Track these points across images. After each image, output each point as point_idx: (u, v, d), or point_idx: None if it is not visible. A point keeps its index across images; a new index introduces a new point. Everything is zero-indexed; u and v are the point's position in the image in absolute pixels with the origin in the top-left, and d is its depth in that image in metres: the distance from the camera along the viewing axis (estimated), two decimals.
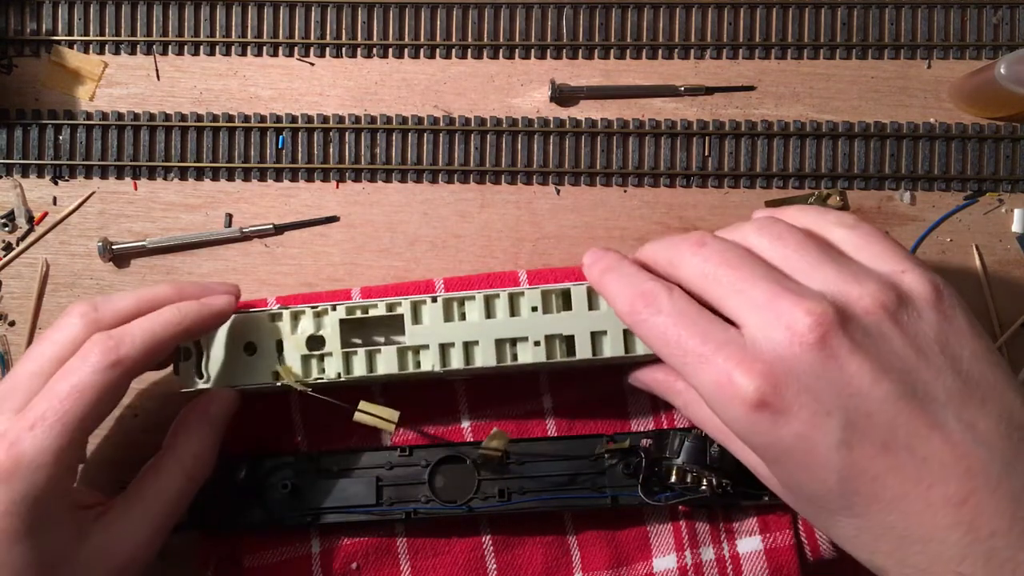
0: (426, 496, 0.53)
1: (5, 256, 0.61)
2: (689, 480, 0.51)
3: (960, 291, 0.60)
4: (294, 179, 0.62)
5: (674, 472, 0.52)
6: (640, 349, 0.51)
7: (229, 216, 0.62)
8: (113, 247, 0.61)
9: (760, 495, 0.52)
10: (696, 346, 0.40)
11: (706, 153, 0.62)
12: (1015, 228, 0.61)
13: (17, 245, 0.61)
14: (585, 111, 0.62)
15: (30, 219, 0.62)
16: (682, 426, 0.57)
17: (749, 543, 0.55)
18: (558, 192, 0.62)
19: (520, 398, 0.57)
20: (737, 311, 0.40)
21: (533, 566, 0.55)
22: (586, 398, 0.57)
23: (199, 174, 0.62)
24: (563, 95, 0.62)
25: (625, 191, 0.62)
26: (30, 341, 0.61)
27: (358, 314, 0.52)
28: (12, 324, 0.61)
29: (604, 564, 0.55)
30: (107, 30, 0.62)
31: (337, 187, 0.62)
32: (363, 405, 0.51)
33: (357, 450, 0.55)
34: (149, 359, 0.47)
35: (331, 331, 0.52)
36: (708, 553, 0.56)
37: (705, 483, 0.51)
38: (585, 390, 0.57)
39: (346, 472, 0.54)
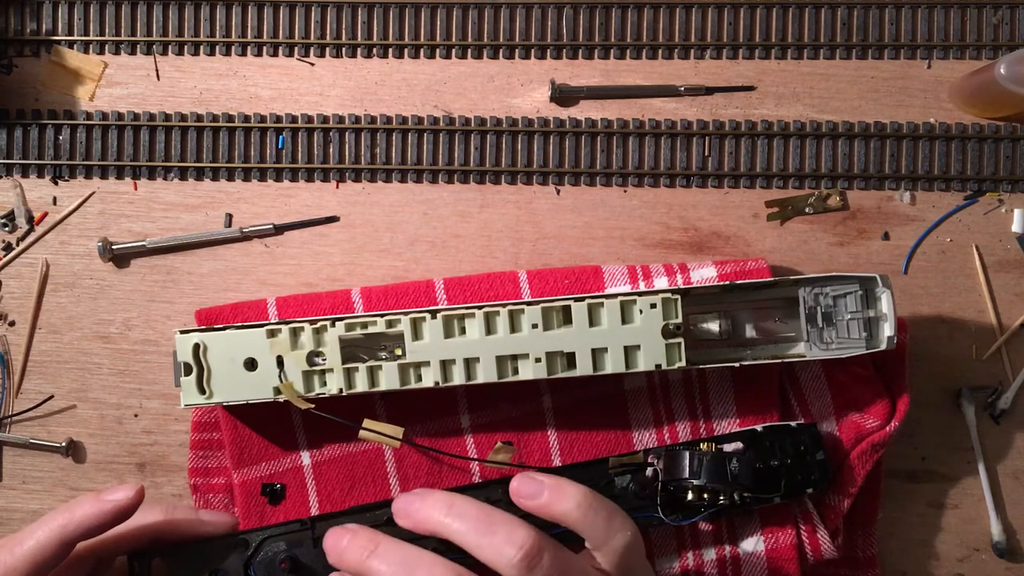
0: (436, 547, 0.47)
1: (5, 256, 0.61)
2: (706, 496, 0.50)
3: (960, 291, 0.61)
4: (294, 179, 0.62)
5: (691, 491, 0.50)
6: (641, 364, 0.51)
7: (229, 216, 0.62)
8: (113, 247, 0.61)
9: (771, 498, 0.52)
10: None
11: (706, 153, 0.62)
12: (1015, 228, 0.61)
13: (17, 245, 0.61)
14: (585, 111, 0.62)
15: (30, 219, 0.62)
16: (683, 434, 0.57)
17: (750, 543, 0.55)
18: (558, 192, 0.62)
19: (520, 398, 0.57)
20: None
21: None
22: (586, 398, 0.57)
23: (199, 174, 0.62)
24: (563, 95, 0.62)
25: (625, 191, 0.62)
26: (30, 341, 0.61)
27: (357, 331, 0.52)
28: (12, 324, 0.61)
29: None
30: (107, 30, 0.62)
31: (337, 187, 0.62)
32: (367, 423, 0.51)
33: (353, 511, 0.51)
34: (39, 567, 0.45)
35: (331, 347, 0.52)
36: (710, 554, 0.56)
37: (723, 497, 0.50)
38: (585, 391, 0.57)
39: None
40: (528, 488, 0.46)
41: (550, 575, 0.42)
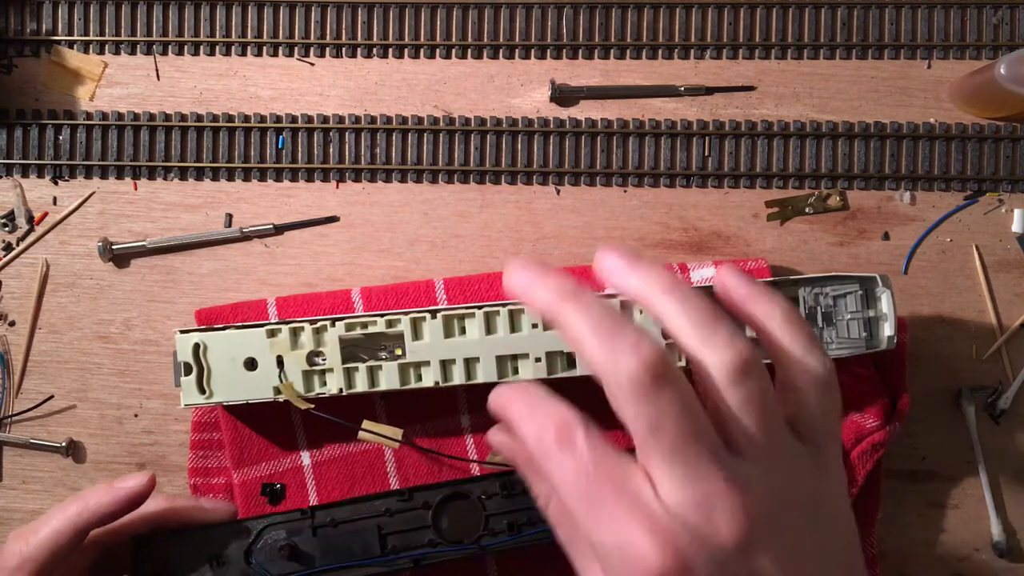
0: (432, 539, 0.50)
1: (5, 256, 0.61)
2: None
3: (960, 291, 0.61)
4: (294, 179, 0.62)
5: None
6: None
7: (229, 216, 0.62)
8: (113, 247, 0.61)
9: None
10: (604, 497, 0.33)
11: (706, 153, 0.62)
12: (1015, 228, 0.61)
13: (17, 245, 0.61)
14: (585, 111, 0.62)
15: (30, 219, 0.62)
16: None
17: None
18: (558, 192, 0.62)
19: None
20: (665, 477, 0.33)
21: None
22: (586, 398, 0.57)
23: (199, 174, 0.62)
24: (563, 95, 0.62)
25: (625, 191, 0.62)
26: (30, 341, 0.61)
27: (358, 331, 0.52)
28: (12, 324, 0.61)
29: None
30: (107, 30, 0.62)
31: (337, 187, 0.62)
32: (367, 424, 0.51)
33: (353, 500, 0.52)
34: (54, 555, 0.46)
35: (331, 347, 0.52)
36: None
37: None
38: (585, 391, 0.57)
39: (344, 524, 0.51)
40: (611, 259, 0.38)
41: (752, 393, 0.34)
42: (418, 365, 0.52)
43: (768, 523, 0.32)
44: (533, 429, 0.37)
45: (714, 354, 0.34)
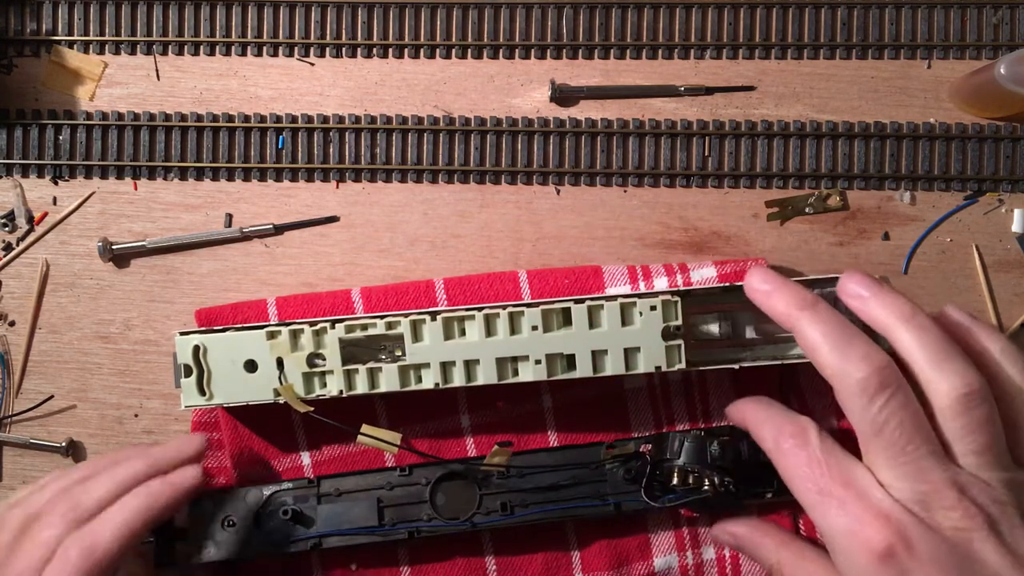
0: (428, 514, 0.53)
1: (5, 256, 0.61)
2: (691, 481, 0.51)
3: (960, 291, 0.61)
4: (294, 179, 0.62)
5: (675, 473, 0.51)
6: (641, 367, 0.51)
7: (229, 216, 0.62)
8: (113, 247, 0.61)
9: (763, 493, 0.52)
10: (834, 488, 0.39)
11: (706, 153, 0.62)
12: (1015, 228, 0.61)
13: (17, 245, 0.61)
14: (585, 111, 0.62)
15: (30, 219, 0.62)
16: (681, 428, 0.57)
17: None
18: (558, 192, 0.62)
19: (520, 398, 0.57)
20: (889, 473, 0.39)
21: (533, 567, 0.56)
22: (586, 398, 0.57)
23: (199, 174, 0.62)
24: (563, 95, 0.62)
25: (625, 191, 0.62)
26: (30, 341, 0.61)
27: (357, 332, 0.52)
28: (12, 324, 0.61)
29: (604, 565, 0.55)
30: (107, 30, 0.62)
31: (337, 187, 0.62)
32: (366, 428, 0.51)
33: (357, 473, 0.55)
34: (125, 551, 0.47)
35: (331, 349, 0.52)
36: (709, 553, 0.56)
37: (707, 483, 0.51)
38: (585, 390, 0.57)
39: (346, 495, 0.54)
40: (856, 286, 0.44)
41: (977, 420, 0.39)
42: (418, 367, 0.52)
43: (986, 522, 0.37)
44: (772, 430, 0.43)
45: (944, 383, 0.39)
